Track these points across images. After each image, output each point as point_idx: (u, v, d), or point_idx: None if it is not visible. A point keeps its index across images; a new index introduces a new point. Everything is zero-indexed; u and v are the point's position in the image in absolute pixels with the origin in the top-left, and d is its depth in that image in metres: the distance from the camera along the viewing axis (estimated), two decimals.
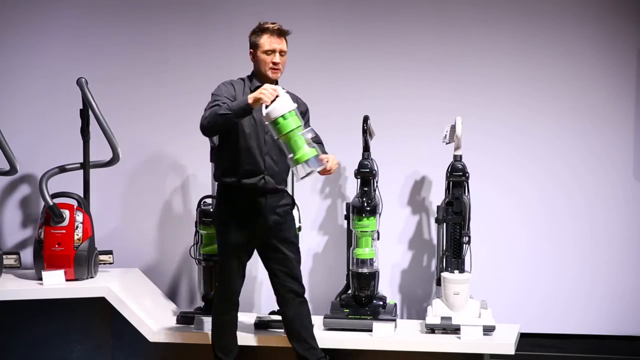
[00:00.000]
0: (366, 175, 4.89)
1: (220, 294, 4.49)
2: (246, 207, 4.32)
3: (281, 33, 4.29)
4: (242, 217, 4.33)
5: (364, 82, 5.33)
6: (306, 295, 5.32)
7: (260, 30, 4.30)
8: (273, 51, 4.27)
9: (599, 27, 5.21)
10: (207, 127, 4.16)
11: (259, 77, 4.34)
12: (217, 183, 4.46)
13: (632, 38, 5.20)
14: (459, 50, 5.28)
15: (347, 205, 4.96)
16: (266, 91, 4.01)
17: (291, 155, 4.04)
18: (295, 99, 4.39)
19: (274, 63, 4.28)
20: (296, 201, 4.96)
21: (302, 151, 4.02)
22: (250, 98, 4.03)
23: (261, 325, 4.84)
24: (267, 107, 4.01)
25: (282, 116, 4.01)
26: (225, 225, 4.38)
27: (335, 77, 5.36)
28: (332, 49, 5.36)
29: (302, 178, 4.08)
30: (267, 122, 4.06)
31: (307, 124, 4.38)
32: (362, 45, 5.34)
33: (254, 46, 4.32)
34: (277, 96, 4.03)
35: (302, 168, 4.03)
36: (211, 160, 4.92)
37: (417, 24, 5.31)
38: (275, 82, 4.34)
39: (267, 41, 4.28)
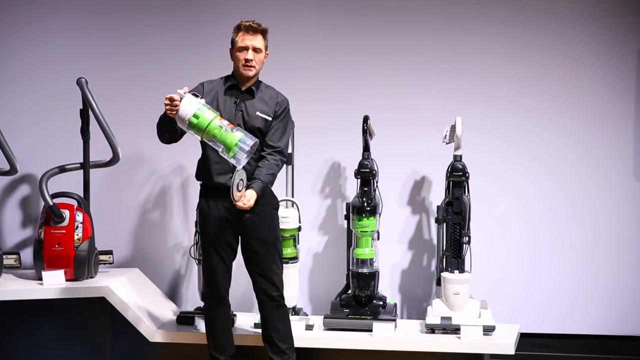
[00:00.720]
0: (366, 175, 4.89)
1: (207, 292, 4.49)
2: (220, 206, 4.31)
3: (255, 30, 4.26)
4: (218, 215, 4.31)
5: (364, 82, 5.33)
6: (306, 295, 5.35)
7: (236, 27, 4.30)
8: (246, 48, 4.25)
9: (599, 27, 5.21)
10: (157, 133, 4.28)
11: (235, 75, 4.34)
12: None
13: (632, 38, 5.20)
14: (459, 50, 5.28)
15: (347, 205, 4.96)
16: (166, 104, 4.04)
17: (222, 147, 3.98)
18: (275, 94, 4.37)
19: (246, 60, 4.25)
20: (296, 201, 4.98)
21: (229, 137, 3.96)
22: (165, 113, 4.08)
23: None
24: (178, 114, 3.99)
25: (194, 115, 3.97)
26: (204, 223, 4.38)
27: (335, 77, 5.35)
28: (332, 49, 5.36)
29: (244, 161, 4.00)
30: (187, 130, 4.03)
31: (283, 119, 4.34)
32: (362, 46, 5.34)
33: (232, 44, 4.32)
34: (181, 99, 4.00)
35: (240, 152, 3.97)
36: None
37: (417, 24, 5.31)
38: (251, 79, 4.30)
39: (240, 38, 4.26)
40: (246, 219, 4.30)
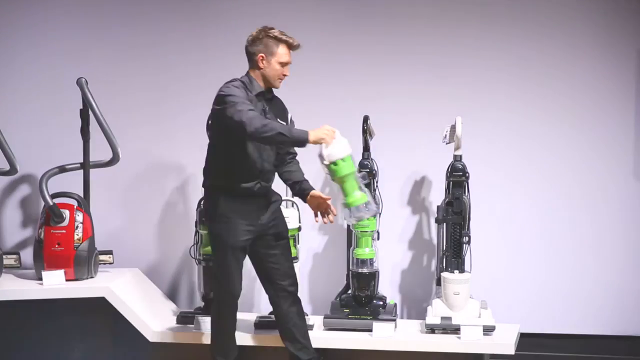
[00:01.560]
0: (366, 175, 4.89)
1: (222, 297, 4.46)
2: (243, 209, 4.32)
3: (297, 48, 4.34)
4: (241, 218, 4.32)
5: (364, 82, 5.33)
6: (306, 295, 5.36)
7: (279, 40, 4.29)
8: (287, 64, 4.33)
9: (599, 28, 5.21)
10: (262, 137, 4.07)
11: (263, 83, 4.34)
12: (206, 186, 4.42)
13: (632, 38, 5.20)
14: (459, 50, 5.28)
15: None
16: (328, 132, 4.08)
17: (344, 197, 4.16)
18: (282, 102, 4.47)
19: (284, 75, 4.34)
20: (296, 201, 4.98)
21: (353, 196, 4.13)
22: (312, 136, 4.06)
23: (261, 325, 4.84)
24: (326, 147, 4.09)
25: (342, 159, 4.10)
26: (225, 228, 4.35)
27: (335, 77, 5.35)
28: (332, 48, 5.36)
29: (350, 221, 4.29)
30: (323, 162, 4.14)
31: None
32: (362, 45, 5.34)
33: (270, 53, 4.29)
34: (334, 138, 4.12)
35: (351, 212, 4.15)
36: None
37: (418, 24, 5.31)
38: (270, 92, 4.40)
39: (286, 53, 4.31)
40: (264, 218, 4.38)
